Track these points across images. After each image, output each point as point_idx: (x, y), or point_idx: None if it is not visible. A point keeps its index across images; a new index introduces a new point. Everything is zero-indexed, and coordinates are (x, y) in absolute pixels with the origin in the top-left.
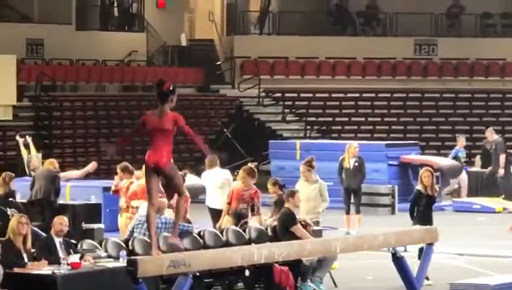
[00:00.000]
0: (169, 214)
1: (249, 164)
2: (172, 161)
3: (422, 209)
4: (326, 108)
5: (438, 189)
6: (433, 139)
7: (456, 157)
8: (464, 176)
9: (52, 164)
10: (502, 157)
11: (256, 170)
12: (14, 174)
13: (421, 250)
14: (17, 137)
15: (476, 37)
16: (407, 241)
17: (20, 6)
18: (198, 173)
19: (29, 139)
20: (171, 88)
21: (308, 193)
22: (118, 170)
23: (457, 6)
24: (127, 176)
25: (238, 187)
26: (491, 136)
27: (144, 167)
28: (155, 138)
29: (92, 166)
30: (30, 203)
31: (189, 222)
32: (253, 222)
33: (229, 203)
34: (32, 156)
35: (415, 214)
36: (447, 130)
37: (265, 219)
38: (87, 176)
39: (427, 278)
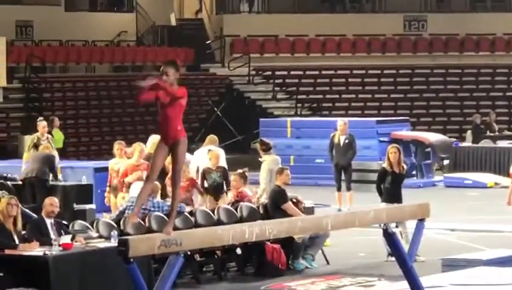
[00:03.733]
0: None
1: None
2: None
3: (389, 187)
4: (316, 85)
5: (405, 166)
6: (424, 115)
7: None
8: None
9: (48, 148)
10: None
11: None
12: None
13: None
14: None
15: (466, 13)
16: (399, 217)
17: None
18: (190, 151)
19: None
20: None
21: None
22: (117, 146)
23: None
24: (121, 154)
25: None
26: None
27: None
28: None
29: None
30: (22, 181)
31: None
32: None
33: None
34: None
35: (382, 192)
36: (437, 105)
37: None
38: (78, 157)
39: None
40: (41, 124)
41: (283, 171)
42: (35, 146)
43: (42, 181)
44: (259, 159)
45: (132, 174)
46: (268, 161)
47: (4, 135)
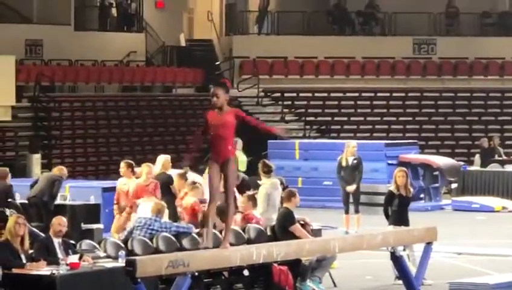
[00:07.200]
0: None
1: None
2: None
3: (396, 210)
4: (325, 108)
5: (412, 190)
6: (433, 139)
7: None
8: None
9: (60, 171)
10: None
11: None
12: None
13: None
14: None
15: (475, 36)
16: (406, 240)
17: (19, 7)
18: (199, 172)
19: None
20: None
21: None
22: (123, 165)
23: (454, 6)
24: (128, 174)
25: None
26: None
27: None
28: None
29: None
30: (28, 200)
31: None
32: None
33: None
34: None
35: (389, 215)
36: (446, 129)
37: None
38: (86, 177)
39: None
40: None
41: (295, 194)
42: None
43: (44, 202)
44: (258, 181)
45: (142, 194)
46: (267, 185)
47: (12, 153)
